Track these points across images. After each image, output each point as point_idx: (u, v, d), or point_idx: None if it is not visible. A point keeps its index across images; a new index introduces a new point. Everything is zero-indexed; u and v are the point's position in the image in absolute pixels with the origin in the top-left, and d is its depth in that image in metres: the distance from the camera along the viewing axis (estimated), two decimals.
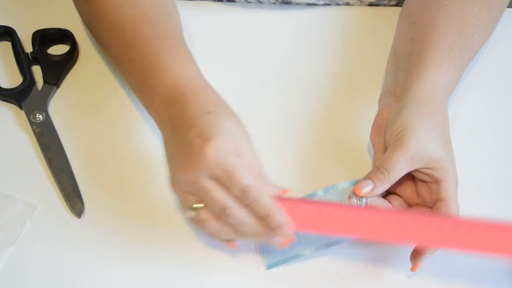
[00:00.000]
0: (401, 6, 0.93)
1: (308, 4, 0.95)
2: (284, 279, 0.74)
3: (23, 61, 0.87)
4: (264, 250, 0.75)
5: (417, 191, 0.75)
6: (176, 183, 0.70)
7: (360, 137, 0.83)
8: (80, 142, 0.82)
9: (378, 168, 0.72)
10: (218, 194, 0.68)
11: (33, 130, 0.82)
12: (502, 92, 0.89)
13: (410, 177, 0.75)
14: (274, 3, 0.95)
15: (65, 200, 0.77)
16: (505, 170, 0.82)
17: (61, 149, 0.81)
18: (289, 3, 0.95)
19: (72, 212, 0.77)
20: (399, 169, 0.72)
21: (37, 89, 0.86)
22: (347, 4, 0.95)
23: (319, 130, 0.84)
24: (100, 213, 0.77)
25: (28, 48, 0.89)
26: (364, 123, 0.82)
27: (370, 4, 0.96)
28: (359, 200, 0.73)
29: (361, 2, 0.95)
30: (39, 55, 0.88)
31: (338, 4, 0.95)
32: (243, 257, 0.75)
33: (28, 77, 0.86)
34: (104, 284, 0.73)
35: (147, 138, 0.82)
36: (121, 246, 0.75)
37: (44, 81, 0.86)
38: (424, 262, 0.74)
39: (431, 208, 0.74)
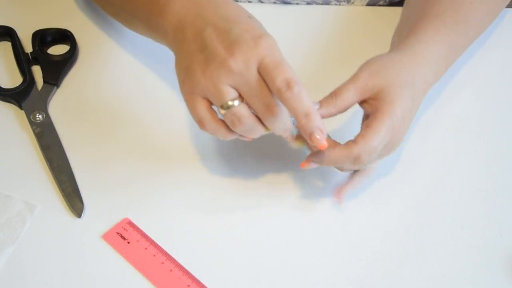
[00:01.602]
0: (397, 5, 0.94)
1: (308, 4, 0.95)
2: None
3: (23, 61, 0.87)
4: None
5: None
6: (218, 74, 0.67)
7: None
8: (80, 142, 0.82)
9: (329, 93, 0.73)
10: (266, 89, 0.67)
11: (33, 130, 0.82)
12: (502, 92, 0.89)
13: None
14: (275, 2, 0.95)
15: (65, 200, 0.77)
16: (505, 170, 0.82)
17: (61, 149, 0.81)
18: (289, 2, 0.95)
19: (72, 212, 0.77)
20: (347, 96, 0.72)
21: (37, 89, 0.86)
22: (348, 1, 0.95)
23: None
24: (100, 213, 0.77)
25: (28, 48, 0.89)
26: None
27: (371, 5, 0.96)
28: None
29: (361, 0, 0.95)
30: (39, 55, 0.88)
31: (338, 2, 0.95)
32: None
33: (28, 77, 0.86)
34: (103, 283, 0.73)
35: (148, 137, 0.83)
36: None
37: (44, 81, 0.86)
38: (422, 264, 0.74)
39: None
